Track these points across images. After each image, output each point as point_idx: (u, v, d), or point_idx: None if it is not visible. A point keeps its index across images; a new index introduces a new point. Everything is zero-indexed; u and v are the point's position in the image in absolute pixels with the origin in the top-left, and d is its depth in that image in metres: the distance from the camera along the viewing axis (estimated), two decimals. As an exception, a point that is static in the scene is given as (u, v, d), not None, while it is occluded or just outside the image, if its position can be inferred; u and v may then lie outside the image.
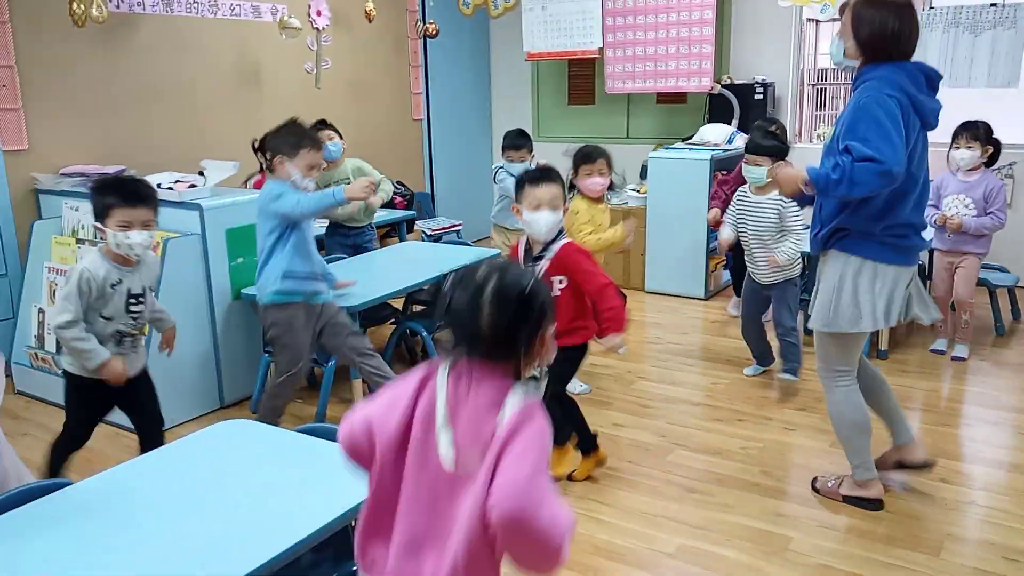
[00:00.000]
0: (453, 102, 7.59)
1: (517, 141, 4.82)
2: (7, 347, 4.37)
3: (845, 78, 6.23)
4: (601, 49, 6.71)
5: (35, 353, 4.24)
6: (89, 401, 2.94)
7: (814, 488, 3.13)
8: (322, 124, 4.75)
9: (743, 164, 4.16)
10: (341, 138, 4.83)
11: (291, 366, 3.45)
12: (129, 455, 2.87)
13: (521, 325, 1.41)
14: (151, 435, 3.02)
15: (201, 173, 4.16)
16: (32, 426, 3.95)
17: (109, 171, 4.57)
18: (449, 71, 7.47)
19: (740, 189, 4.20)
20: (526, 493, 1.28)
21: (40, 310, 4.26)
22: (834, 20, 2.82)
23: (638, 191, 6.13)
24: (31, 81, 4.49)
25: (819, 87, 6.77)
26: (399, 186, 6.78)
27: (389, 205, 6.37)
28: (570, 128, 7.50)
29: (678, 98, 6.93)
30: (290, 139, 3.31)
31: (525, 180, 2.99)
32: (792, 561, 2.72)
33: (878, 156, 2.49)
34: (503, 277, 1.42)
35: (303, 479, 2.06)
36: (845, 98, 6.52)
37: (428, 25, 6.27)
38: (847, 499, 3.01)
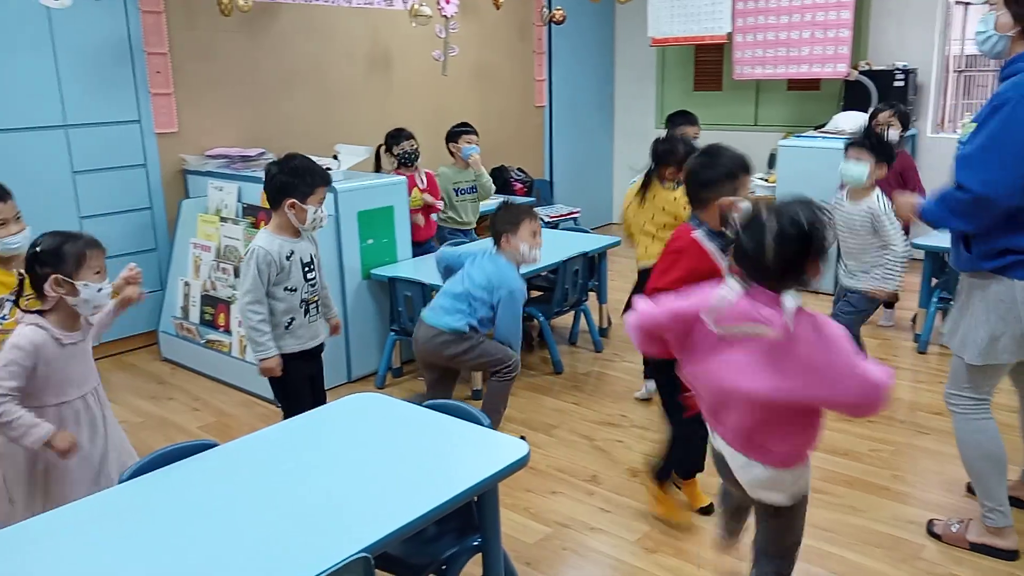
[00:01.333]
0: (575, 89, 7.57)
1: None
2: (155, 317, 4.70)
3: (996, 65, 5.83)
4: (730, 34, 6.53)
5: (180, 323, 4.53)
6: (301, 371, 3.04)
7: (931, 532, 2.77)
8: (464, 126, 4.94)
9: (844, 159, 3.70)
10: (477, 138, 5.00)
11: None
12: (264, 423, 3.05)
13: (800, 259, 1.77)
14: (317, 402, 3.11)
15: (335, 157, 4.33)
16: (176, 391, 4.24)
17: (250, 153, 4.83)
18: (572, 58, 7.45)
19: (836, 195, 3.85)
20: (858, 383, 1.72)
21: (185, 283, 4.56)
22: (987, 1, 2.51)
23: (766, 180, 5.95)
24: (182, 68, 4.79)
25: (966, 74, 6.35)
26: (519, 172, 6.84)
27: (508, 191, 6.44)
28: (695, 114, 7.33)
29: (811, 84, 6.67)
30: (508, 217, 3.46)
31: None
32: (923, 570, 2.59)
33: (981, 190, 2.28)
34: (781, 218, 1.76)
35: (430, 453, 2.11)
36: (993, 86, 6.11)
37: (555, 11, 6.26)
38: (975, 547, 2.66)
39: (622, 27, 7.82)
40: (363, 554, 1.65)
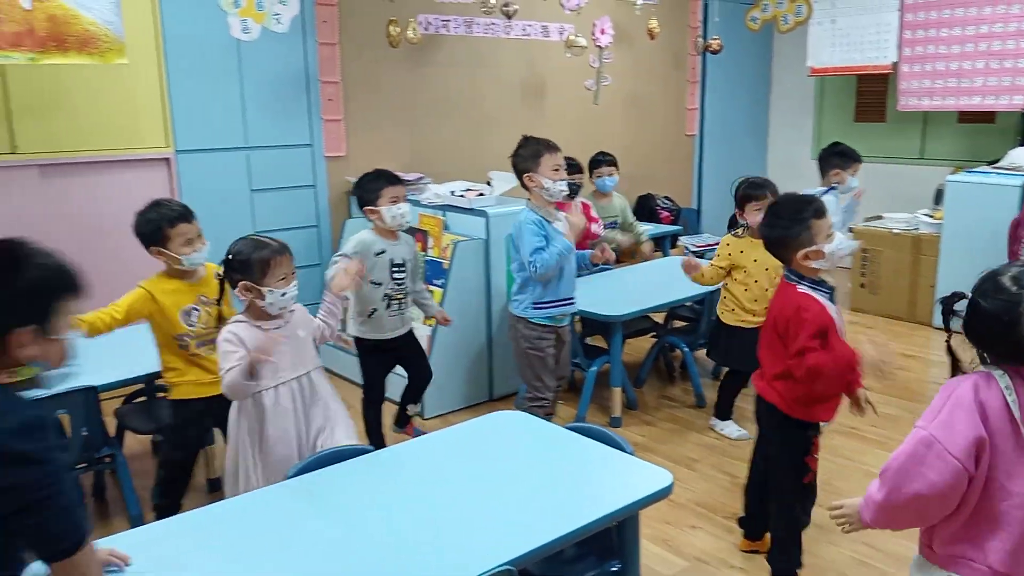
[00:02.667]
0: (728, 118, 7.47)
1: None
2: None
3: None
4: (895, 63, 6.25)
5: (338, 335, 4.80)
6: (378, 360, 3.49)
7: None
8: (603, 156, 4.93)
9: None
10: (617, 170, 4.98)
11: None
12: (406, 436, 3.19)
13: None
14: (421, 383, 3.66)
15: (489, 183, 4.49)
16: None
17: (409, 177, 5.06)
18: (726, 86, 7.36)
19: None
20: None
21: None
22: None
23: (931, 216, 5.64)
24: (352, 95, 5.12)
25: None
26: (666, 200, 6.81)
27: (654, 219, 6.42)
28: (856, 147, 7.05)
29: (984, 117, 6.28)
30: (527, 152, 3.38)
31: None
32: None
33: None
34: None
35: (572, 475, 2.15)
36: None
37: (711, 41, 6.23)
38: None
39: (780, 56, 7.66)
40: (507, 567, 1.71)
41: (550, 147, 3.32)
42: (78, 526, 1.46)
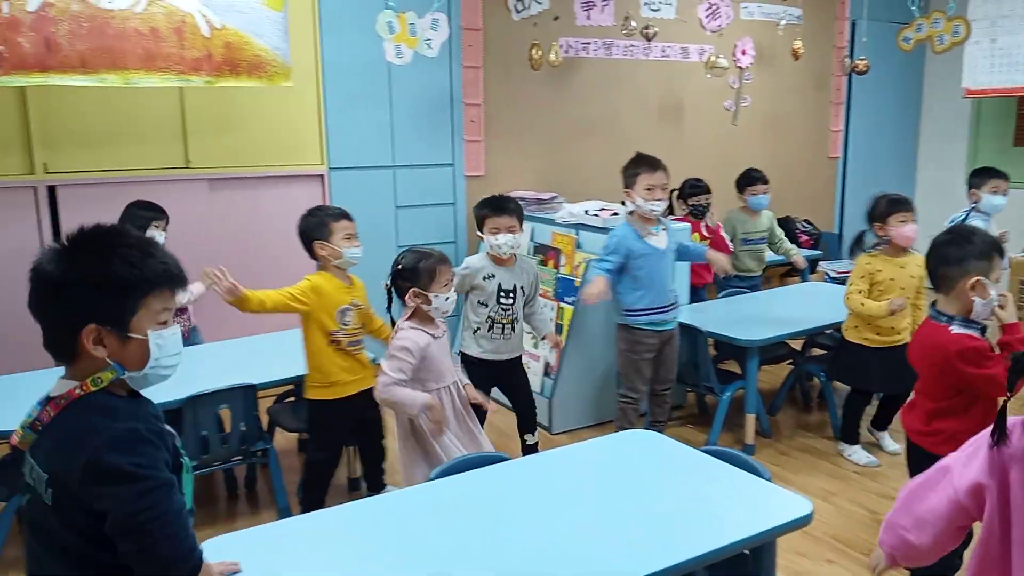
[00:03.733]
0: (874, 141, 7.18)
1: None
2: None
3: None
4: (1065, 84, 5.85)
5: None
6: (478, 376, 3.39)
7: None
8: (754, 173, 4.88)
9: None
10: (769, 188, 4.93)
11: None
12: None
13: None
14: (525, 411, 3.63)
15: (623, 202, 4.51)
16: (462, 409, 4.61)
17: (544, 197, 5.18)
18: (873, 108, 7.09)
19: None
20: None
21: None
22: None
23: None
24: (493, 117, 5.29)
25: None
26: (806, 224, 6.61)
27: (793, 242, 6.24)
28: (1015, 172, 6.62)
29: None
30: (628, 170, 3.59)
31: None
32: None
33: None
34: None
35: (706, 497, 2.14)
36: None
37: (858, 61, 6.03)
38: None
39: (932, 77, 7.31)
40: (640, 583, 1.73)
41: (651, 166, 3.53)
42: (188, 554, 1.39)
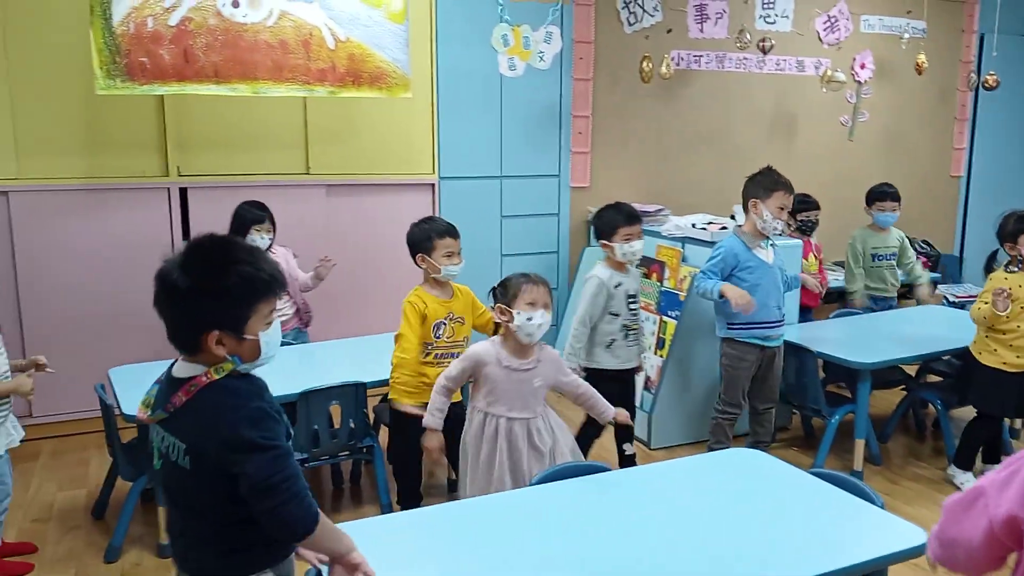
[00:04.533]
0: (1000, 160, 6.82)
1: None
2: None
3: None
4: None
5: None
6: (610, 389, 3.28)
7: None
8: (888, 188, 4.69)
9: None
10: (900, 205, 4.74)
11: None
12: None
13: None
14: (629, 426, 3.41)
15: (733, 217, 4.45)
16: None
17: (649, 209, 5.15)
18: (1001, 125, 6.73)
19: None
20: None
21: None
22: None
23: None
24: (600, 129, 5.31)
25: None
26: (924, 245, 6.34)
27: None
28: None
29: None
30: (765, 182, 3.55)
31: None
32: None
33: None
34: None
35: (814, 520, 2.10)
36: None
37: (987, 77, 5.75)
38: None
39: (1069, 92, 6.88)
40: (745, 601, 1.71)
41: (786, 187, 3.54)
42: (308, 513, 1.59)
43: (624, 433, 3.63)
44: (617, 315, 3.47)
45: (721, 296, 3.49)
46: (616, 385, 3.45)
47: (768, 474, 2.39)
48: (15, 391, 2.76)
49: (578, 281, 5.13)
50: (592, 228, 3.62)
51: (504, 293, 2.70)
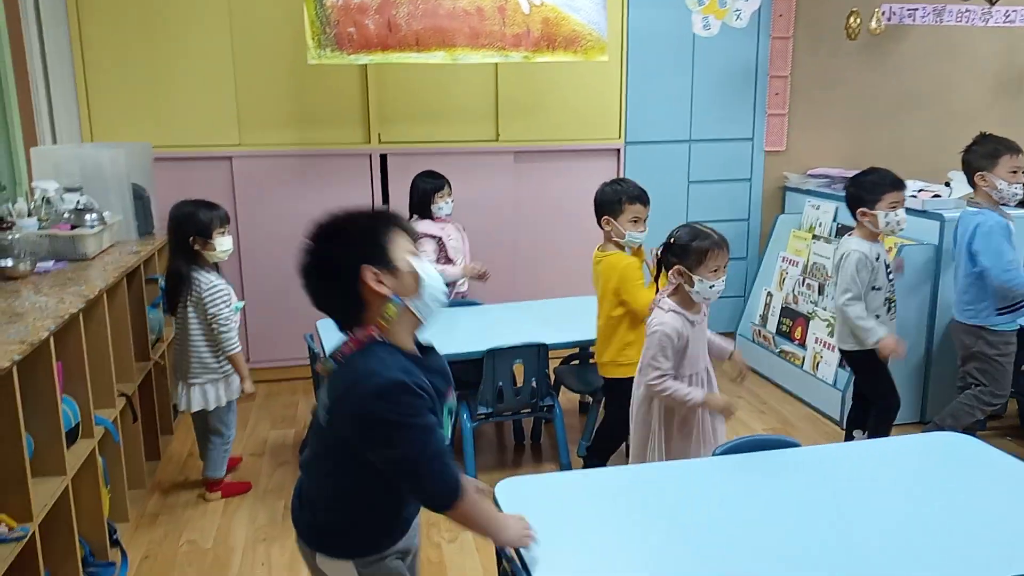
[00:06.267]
0: None
1: None
2: (735, 321, 5.05)
3: None
4: None
5: (758, 330, 4.80)
6: (879, 366, 3.31)
7: None
8: None
9: None
10: None
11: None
12: (825, 440, 3.09)
13: None
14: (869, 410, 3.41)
15: (947, 184, 4.08)
16: (745, 392, 4.48)
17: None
18: None
19: None
20: None
21: (768, 293, 4.80)
22: None
23: None
24: (799, 90, 5.03)
25: None
26: None
27: None
28: None
29: None
30: (984, 151, 3.28)
31: None
32: None
33: None
34: None
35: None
36: None
37: None
38: None
39: None
40: (950, 591, 1.59)
41: (1011, 148, 3.26)
42: (449, 488, 1.57)
43: (859, 417, 3.47)
44: (879, 288, 3.25)
45: None
46: (878, 362, 3.28)
47: (979, 460, 2.19)
48: None
49: (769, 252, 4.92)
50: (847, 196, 3.30)
51: (685, 253, 2.54)
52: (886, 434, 3.35)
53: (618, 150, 4.86)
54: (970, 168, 3.32)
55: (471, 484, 1.69)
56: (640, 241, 3.20)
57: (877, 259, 3.21)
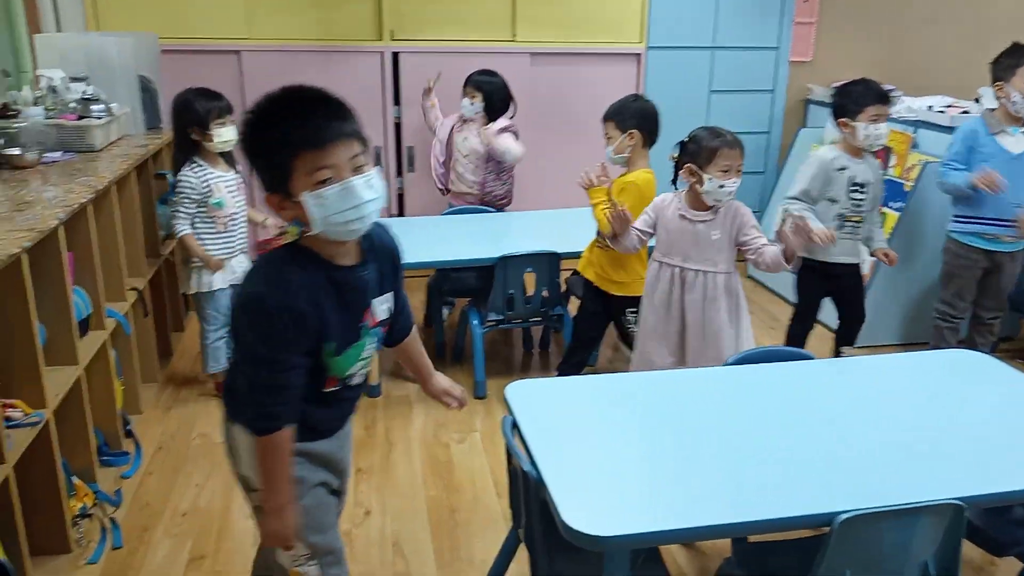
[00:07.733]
0: None
1: None
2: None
3: None
4: None
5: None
6: (813, 282, 3.33)
7: None
8: None
9: None
10: None
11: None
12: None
13: None
14: (854, 325, 3.41)
15: (977, 100, 3.95)
16: (756, 308, 4.46)
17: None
18: None
19: None
20: None
21: (785, 209, 4.70)
22: None
23: None
24: (830, -3, 4.83)
25: None
26: None
27: None
28: None
29: None
30: (1008, 60, 3.17)
31: None
32: None
33: None
34: None
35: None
36: None
37: None
38: None
39: None
40: (957, 502, 1.60)
41: None
42: (263, 416, 1.50)
43: (850, 335, 3.45)
44: (835, 201, 3.18)
45: (974, 188, 3.14)
46: (820, 279, 3.27)
47: (993, 377, 2.18)
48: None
49: (788, 166, 4.82)
50: (832, 104, 3.21)
51: (696, 152, 2.54)
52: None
53: (639, 55, 4.70)
54: (994, 78, 3.21)
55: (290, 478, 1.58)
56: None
57: (840, 170, 3.10)
